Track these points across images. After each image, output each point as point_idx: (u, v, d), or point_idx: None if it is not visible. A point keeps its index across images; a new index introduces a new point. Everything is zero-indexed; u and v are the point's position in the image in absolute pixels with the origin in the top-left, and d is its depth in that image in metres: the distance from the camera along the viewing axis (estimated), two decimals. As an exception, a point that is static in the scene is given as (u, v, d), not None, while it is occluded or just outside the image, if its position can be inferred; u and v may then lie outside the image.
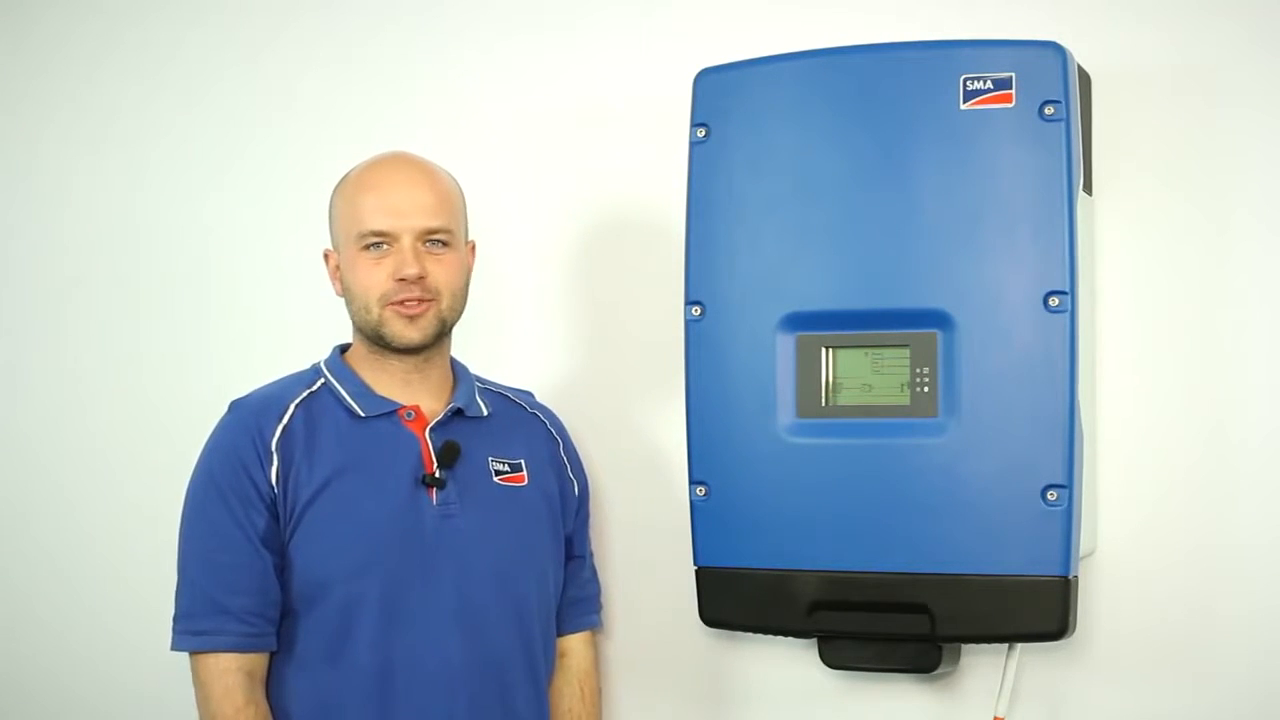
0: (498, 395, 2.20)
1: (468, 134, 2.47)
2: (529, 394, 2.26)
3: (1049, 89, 1.93)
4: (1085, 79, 2.03)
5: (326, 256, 2.11)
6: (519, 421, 2.19)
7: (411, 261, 2.01)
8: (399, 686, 2.00)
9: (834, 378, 2.04)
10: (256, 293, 2.61)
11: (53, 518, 2.75)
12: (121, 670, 2.67)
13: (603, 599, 2.29)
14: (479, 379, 2.19)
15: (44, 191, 2.77)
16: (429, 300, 2.03)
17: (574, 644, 2.22)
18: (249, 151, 2.63)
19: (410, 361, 2.08)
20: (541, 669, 2.12)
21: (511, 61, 2.46)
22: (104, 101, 2.73)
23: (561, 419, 2.26)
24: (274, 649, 2.01)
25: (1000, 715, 2.07)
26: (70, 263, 2.75)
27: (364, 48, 2.56)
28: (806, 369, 2.04)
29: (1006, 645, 2.05)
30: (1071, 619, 1.94)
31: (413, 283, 2.01)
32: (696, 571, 2.11)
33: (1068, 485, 1.92)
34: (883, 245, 1.99)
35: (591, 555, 2.28)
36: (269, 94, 2.62)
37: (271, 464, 2.00)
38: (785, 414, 2.04)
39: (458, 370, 2.16)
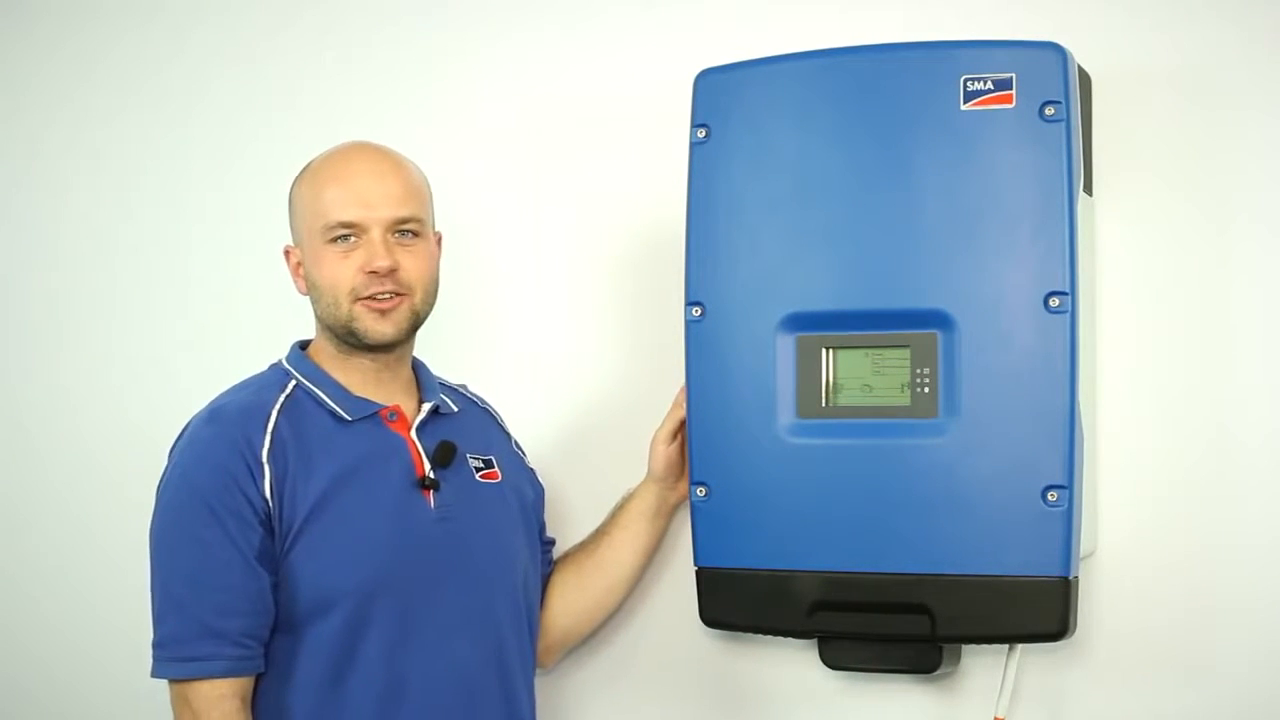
0: (453, 390, 2.17)
1: (468, 134, 2.47)
2: (465, 386, 2.23)
3: (1049, 89, 1.93)
4: (1085, 79, 2.03)
5: (287, 254, 2.07)
6: (479, 416, 2.18)
7: (383, 254, 1.97)
8: (412, 699, 1.95)
9: (834, 378, 2.04)
10: (257, 293, 2.61)
11: (51, 517, 2.75)
12: (122, 670, 2.67)
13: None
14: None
15: (43, 191, 2.77)
16: (402, 295, 2.00)
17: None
18: (249, 151, 2.63)
19: (382, 359, 2.04)
20: (531, 664, 2.13)
21: (512, 61, 2.46)
22: (104, 101, 2.73)
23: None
24: (261, 670, 1.94)
25: (1001, 716, 2.07)
26: (70, 262, 2.74)
27: (364, 48, 2.56)
28: (807, 369, 2.04)
29: (1007, 646, 2.05)
30: (1072, 619, 1.94)
31: (384, 276, 1.97)
32: (697, 572, 2.11)
33: (1068, 485, 1.92)
34: (883, 246, 1.99)
35: None
36: (269, 94, 2.62)
37: (264, 477, 1.92)
38: (785, 414, 2.04)
39: (416, 366, 2.13)
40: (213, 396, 2.08)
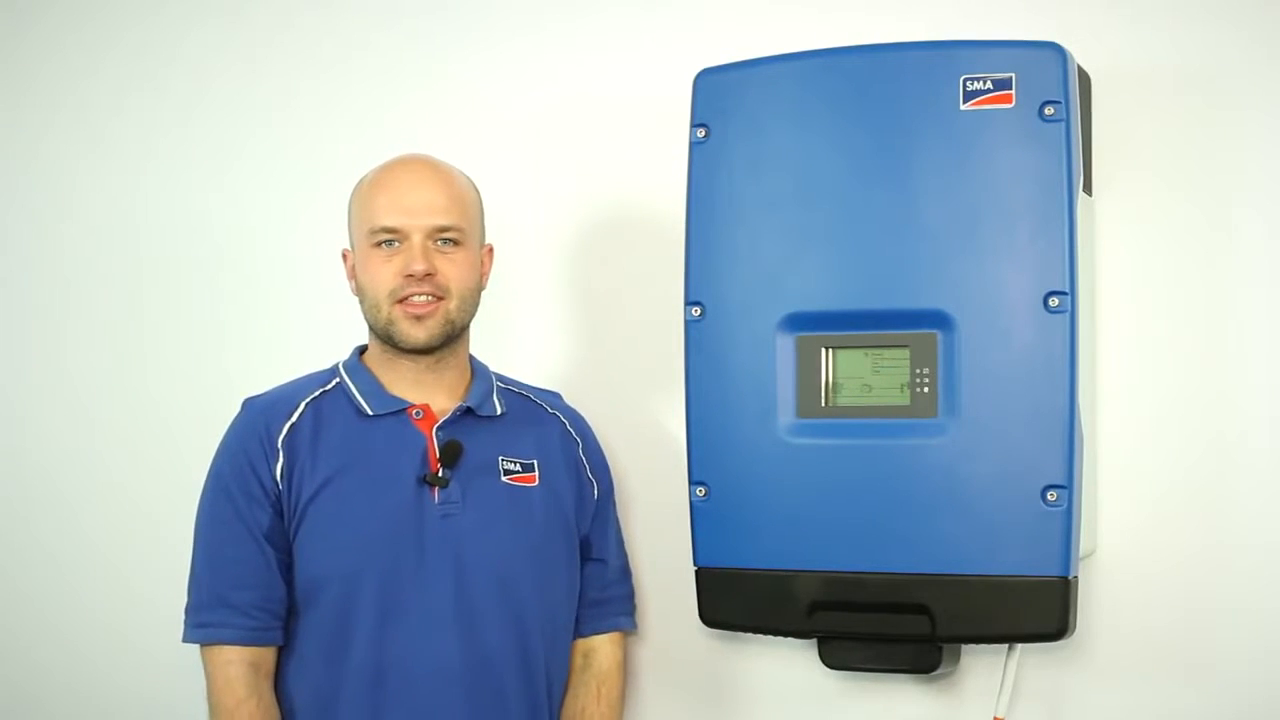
0: (517, 395, 2.19)
1: (468, 134, 2.46)
2: (555, 395, 2.26)
3: (1049, 89, 1.93)
4: (1085, 79, 2.03)
5: (344, 256, 2.13)
6: (536, 421, 2.18)
7: (420, 258, 2.02)
8: (393, 685, 2.00)
9: (834, 378, 2.04)
10: (256, 293, 2.62)
11: (53, 518, 2.75)
12: (122, 670, 2.67)
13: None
14: (502, 379, 2.19)
15: (44, 191, 2.77)
16: (438, 299, 2.04)
17: (598, 644, 2.21)
18: (249, 151, 2.63)
19: (422, 361, 2.09)
20: (540, 673, 2.10)
21: (512, 61, 2.46)
22: (104, 101, 2.73)
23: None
24: (280, 643, 2.04)
25: (1000, 715, 2.07)
26: (70, 263, 2.75)
27: (364, 48, 2.56)
28: (806, 369, 2.04)
29: (1006, 645, 2.05)
30: (1071, 619, 1.95)
31: (420, 279, 2.03)
32: (696, 572, 2.11)
33: (1068, 485, 1.92)
34: (883, 245, 1.99)
35: (622, 557, 2.26)
36: (269, 94, 2.62)
37: (277, 461, 2.03)
38: (785, 414, 2.04)
39: (476, 370, 2.17)
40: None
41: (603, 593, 2.22)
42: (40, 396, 2.77)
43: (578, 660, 2.19)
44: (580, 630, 2.19)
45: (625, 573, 2.27)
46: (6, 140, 2.80)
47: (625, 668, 2.24)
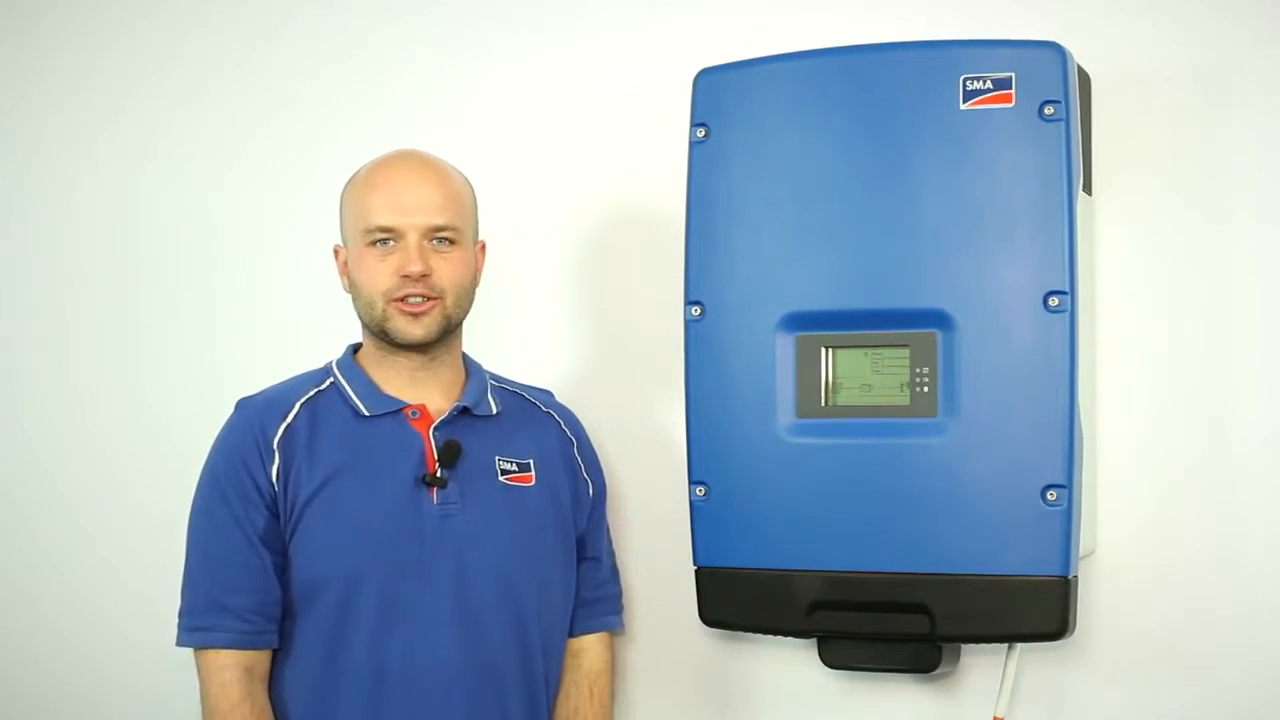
0: (511, 394, 2.19)
1: (467, 134, 2.47)
2: (548, 393, 2.26)
3: (1049, 89, 1.93)
4: (1085, 79, 2.03)
5: (336, 252, 2.13)
6: (531, 421, 2.18)
7: (416, 259, 2.02)
8: (394, 686, 2.00)
9: (834, 378, 2.04)
10: (257, 293, 2.62)
11: (52, 518, 2.75)
12: (122, 670, 2.67)
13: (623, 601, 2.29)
14: (495, 377, 2.19)
15: (44, 191, 2.77)
16: (433, 299, 2.03)
17: (588, 644, 2.21)
18: (249, 151, 2.63)
19: (417, 359, 2.08)
20: (539, 672, 2.11)
21: (512, 61, 2.46)
22: (104, 101, 2.73)
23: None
24: (274, 646, 2.03)
25: (1000, 715, 2.07)
26: (70, 263, 2.75)
27: (364, 48, 2.56)
28: (806, 369, 2.04)
29: (1006, 645, 2.05)
30: (1071, 619, 1.95)
31: (416, 280, 2.02)
32: (696, 572, 2.11)
33: (1068, 485, 1.92)
34: (883, 245, 1.99)
35: (612, 557, 2.27)
36: (269, 94, 2.62)
37: (273, 462, 2.01)
38: (785, 414, 2.04)
39: (470, 368, 2.16)
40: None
41: (595, 592, 2.22)
42: (40, 396, 2.77)
43: (568, 660, 2.19)
44: (571, 629, 2.19)
45: (615, 572, 2.27)
46: (6, 140, 2.80)
47: (614, 667, 2.24)
